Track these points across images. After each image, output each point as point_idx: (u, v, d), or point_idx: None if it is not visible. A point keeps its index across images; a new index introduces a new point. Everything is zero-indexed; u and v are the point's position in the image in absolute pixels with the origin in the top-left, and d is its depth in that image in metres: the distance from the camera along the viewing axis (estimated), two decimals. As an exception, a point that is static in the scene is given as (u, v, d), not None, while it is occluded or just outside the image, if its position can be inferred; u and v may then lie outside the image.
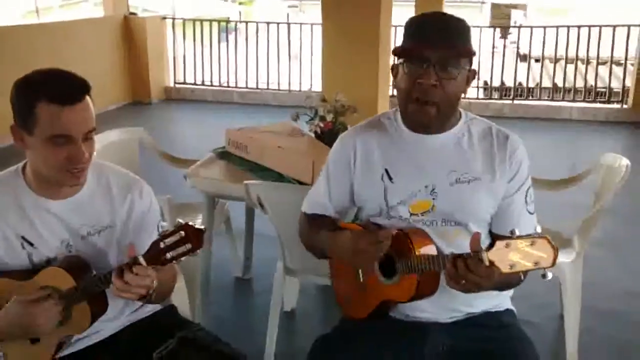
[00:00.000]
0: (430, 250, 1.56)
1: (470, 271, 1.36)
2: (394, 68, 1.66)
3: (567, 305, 2.64)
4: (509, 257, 1.28)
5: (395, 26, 6.65)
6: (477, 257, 1.34)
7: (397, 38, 7.08)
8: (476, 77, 1.65)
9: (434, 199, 1.62)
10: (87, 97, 1.55)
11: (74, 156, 1.53)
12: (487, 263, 1.31)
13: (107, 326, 1.73)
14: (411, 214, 1.64)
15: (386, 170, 1.67)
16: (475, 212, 1.63)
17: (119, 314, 1.76)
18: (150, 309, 1.83)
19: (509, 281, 1.51)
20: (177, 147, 5.01)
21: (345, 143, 1.76)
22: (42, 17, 16.63)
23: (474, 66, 1.65)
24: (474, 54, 1.61)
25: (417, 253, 1.53)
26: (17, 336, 1.56)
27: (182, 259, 1.47)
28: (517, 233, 1.30)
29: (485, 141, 1.66)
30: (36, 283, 1.58)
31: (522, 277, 1.31)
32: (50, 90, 1.49)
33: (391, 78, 1.75)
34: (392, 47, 5.32)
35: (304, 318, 3.08)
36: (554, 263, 1.27)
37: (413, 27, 1.61)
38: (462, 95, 1.64)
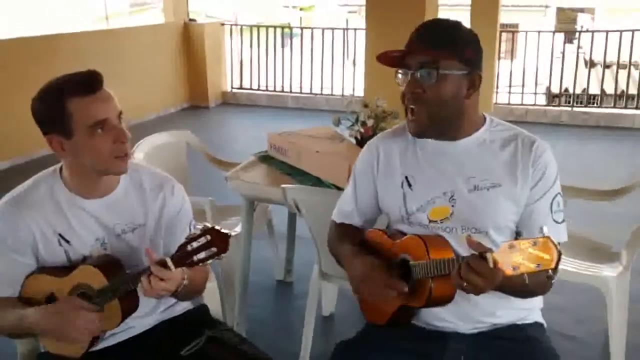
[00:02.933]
0: (446, 255, 1.53)
1: (474, 271, 1.32)
2: None
3: (612, 320, 2.53)
4: (512, 258, 1.25)
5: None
6: (482, 257, 1.31)
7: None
8: (480, 81, 1.59)
9: (452, 205, 1.61)
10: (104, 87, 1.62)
11: (119, 136, 1.60)
12: (491, 264, 1.28)
13: (139, 323, 1.78)
14: (430, 221, 1.63)
15: (406, 178, 1.66)
16: (494, 219, 1.60)
17: (152, 312, 1.81)
18: (183, 307, 1.88)
19: (513, 286, 1.45)
20: (229, 150, 5.12)
21: (369, 149, 1.77)
22: (112, 22, 17.34)
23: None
24: (458, 57, 1.54)
25: (431, 257, 1.52)
26: (51, 337, 1.63)
27: (209, 262, 1.51)
28: (524, 236, 1.26)
29: (509, 147, 1.62)
30: (71, 280, 1.64)
31: (527, 281, 1.26)
32: (75, 86, 1.57)
33: None
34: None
35: (342, 322, 3.07)
36: (556, 265, 1.22)
37: None
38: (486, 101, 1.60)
